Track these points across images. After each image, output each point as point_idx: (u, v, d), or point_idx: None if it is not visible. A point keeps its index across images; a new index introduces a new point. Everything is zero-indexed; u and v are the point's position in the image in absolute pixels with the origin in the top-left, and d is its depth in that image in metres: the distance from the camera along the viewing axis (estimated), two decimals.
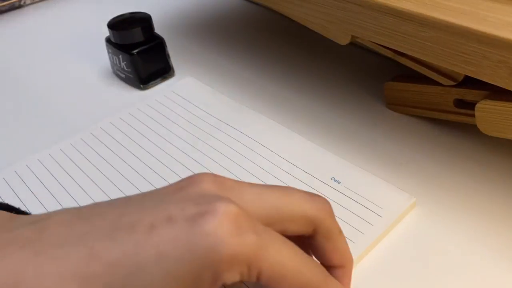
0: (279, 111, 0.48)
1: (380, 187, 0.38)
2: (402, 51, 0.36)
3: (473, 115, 0.37)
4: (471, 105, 0.38)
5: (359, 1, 0.36)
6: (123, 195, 0.40)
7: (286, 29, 0.61)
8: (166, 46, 0.53)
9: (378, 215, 0.36)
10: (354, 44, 0.44)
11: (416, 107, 0.44)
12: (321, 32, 0.41)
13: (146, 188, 0.40)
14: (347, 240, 0.34)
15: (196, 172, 0.41)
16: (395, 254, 0.34)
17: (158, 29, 0.53)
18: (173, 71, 0.55)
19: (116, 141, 0.45)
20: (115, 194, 0.40)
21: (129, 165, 0.43)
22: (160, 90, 0.52)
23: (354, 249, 0.33)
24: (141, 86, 0.53)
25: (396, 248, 0.34)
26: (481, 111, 0.36)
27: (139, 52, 0.51)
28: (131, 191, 0.40)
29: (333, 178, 0.39)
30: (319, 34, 0.41)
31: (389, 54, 0.42)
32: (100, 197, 0.40)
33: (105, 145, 0.45)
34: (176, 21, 0.66)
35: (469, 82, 0.39)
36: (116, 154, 0.44)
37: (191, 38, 0.61)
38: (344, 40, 0.40)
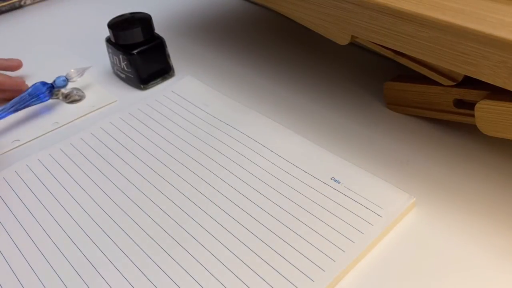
0: (279, 111, 0.48)
1: (380, 187, 0.38)
2: (402, 51, 0.36)
3: (473, 115, 0.37)
4: (471, 105, 0.38)
5: (359, 1, 0.36)
6: (122, 195, 0.40)
7: (286, 29, 0.61)
8: (166, 46, 0.53)
9: (378, 215, 0.36)
10: (354, 44, 0.44)
11: (416, 107, 0.44)
12: (321, 32, 0.41)
13: (146, 187, 0.40)
14: (347, 240, 0.34)
15: (196, 171, 0.41)
16: (395, 254, 0.34)
17: (158, 29, 0.53)
18: (173, 71, 0.55)
19: (116, 141, 0.45)
20: (115, 194, 0.40)
21: (129, 164, 0.43)
22: (160, 90, 0.52)
23: (354, 249, 0.34)
24: (141, 86, 0.53)
25: (396, 248, 0.34)
26: (481, 111, 0.36)
27: (139, 52, 0.51)
28: (131, 191, 0.40)
29: (333, 178, 0.39)
30: (319, 34, 0.42)
31: (389, 54, 0.42)
32: (100, 197, 0.40)
33: (105, 145, 0.45)
34: (176, 21, 0.66)
35: (469, 82, 0.39)
36: (116, 154, 0.44)
37: (191, 38, 0.61)
38: (344, 40, 0.40)
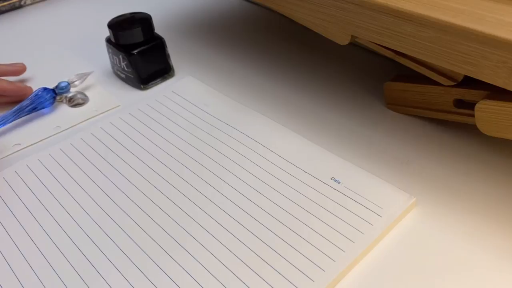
0: (279, 111, 0.48)
1: (380, 187, 0.38)
2: (402, 51, 0.36)
3: (472, 115, 0.37)
4: (470, 105, 0.38)
5: (359, 1, 0.36)
6: (122, 195, 0.40)
7: (286, 30, 0.61)
8: (166, 46, 0.53)
9: (378, 215, 0.36)
10: (354, 44, 0.44)
11: (416, 107, 0.44)
12: (321, 32, 0.41)
13: (146, 187, 0.40)
14: (347, 240, 0.34)
15: (196, 171, 0.41)
16: (395, 254, 0.34)
17: (158, 29, 0.53)
18: (173, 71, 0.55)
19: (116, 141, 0.45)
20: (115, 194, 0.40)
21: (129, 164, 0.43)
22: (160, 90, 0.52)
23: (354, 249, 0.34)
24: (141, 86, 0.53)
25: (396, 248, 0.34)
26: (481, 111, 0.36)
27: (139, 52, 0.51)
28: (131, 191, 0.40)
29: (333, 178, 0.39)
30: (319, 35, 0.42)
31: (389, 54, 0.42)
32: (99, 197, 0.40)
33: (105, 145, 0.45)
34: (176, 21, 0.66)
35: (469, 82, 0.39)
36: (116, 154, 0.44)
37: (191, 38, 0.61)
38: (344, 40, 0.40)
